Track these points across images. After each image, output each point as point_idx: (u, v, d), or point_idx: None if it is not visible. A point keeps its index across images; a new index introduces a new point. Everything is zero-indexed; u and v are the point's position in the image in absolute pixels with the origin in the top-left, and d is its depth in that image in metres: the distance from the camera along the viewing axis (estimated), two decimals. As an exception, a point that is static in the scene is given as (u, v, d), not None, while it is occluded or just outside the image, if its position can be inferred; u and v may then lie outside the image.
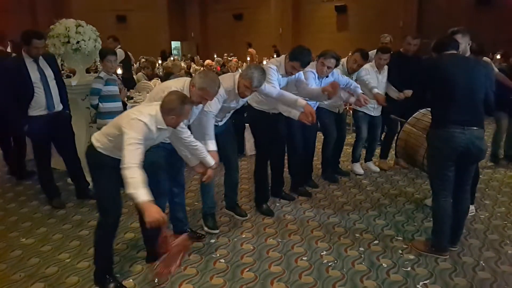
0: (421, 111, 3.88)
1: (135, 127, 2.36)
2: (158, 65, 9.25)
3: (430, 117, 3.67)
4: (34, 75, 3.75)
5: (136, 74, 8.94)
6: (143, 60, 10.95)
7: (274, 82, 3.50)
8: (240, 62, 11.69)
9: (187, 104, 2.50)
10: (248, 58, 12.25)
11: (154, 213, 2.17)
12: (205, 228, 3.50)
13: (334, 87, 3.52)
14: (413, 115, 3.81)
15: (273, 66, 3.57)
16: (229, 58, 12.33)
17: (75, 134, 4.21)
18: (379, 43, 5.48)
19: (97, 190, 2.69)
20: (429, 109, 3.91)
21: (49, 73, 3.85)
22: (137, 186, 2.21)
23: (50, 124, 3.87)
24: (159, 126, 2.48)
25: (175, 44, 21.12)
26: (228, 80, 3.19)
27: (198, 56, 15.57)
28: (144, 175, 2.28)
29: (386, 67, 4.70)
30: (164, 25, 19.94)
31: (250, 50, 14.70)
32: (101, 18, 14.90)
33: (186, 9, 21.55)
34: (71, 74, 5.71)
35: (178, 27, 20.98)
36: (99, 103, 4.11)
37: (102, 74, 4.11)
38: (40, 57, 3.82)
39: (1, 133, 4.92)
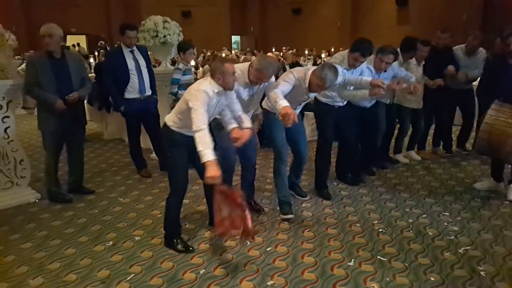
0: (496, 103, 3.84)
1: (197, 96, 2.77)
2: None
3: (507, 110, 3.71)
4: (130, 63, 4.46)
5: (203, 66, 9.70)
6: (208, 53, 11.71)
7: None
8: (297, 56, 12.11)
9: (227, 62, 2.92)
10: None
11: (213, 172, 2.61)
12: (281, 216, 3.63)
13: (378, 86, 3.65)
14: (491, 107, 3.80)
15: (337, 60, 3.88)
16: (287, 52, 12.79)
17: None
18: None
19: (170, 165, 3.09)
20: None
21: (142, 62, 4.55)
22: (205, 146, 2.66)
23: (141, 106, 4.57)
24: (215, 90, 2.84)
25: (235, 38, 21.93)
26: (300, 72, 3.44)
27: (257, 50, 16.16)
28: (210, 137, 2.72)
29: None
30: (225, 20, 20.77)
31: None
32: (168, 13, 15.82)
33: (247, 4, 22.29)
34: (156, 65, 6.49)
35: (239, 21, 21.76)
36: (178, 91, 4.74)
37: (181, 66, 4.72)
38: (135, 48, 4.53)
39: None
